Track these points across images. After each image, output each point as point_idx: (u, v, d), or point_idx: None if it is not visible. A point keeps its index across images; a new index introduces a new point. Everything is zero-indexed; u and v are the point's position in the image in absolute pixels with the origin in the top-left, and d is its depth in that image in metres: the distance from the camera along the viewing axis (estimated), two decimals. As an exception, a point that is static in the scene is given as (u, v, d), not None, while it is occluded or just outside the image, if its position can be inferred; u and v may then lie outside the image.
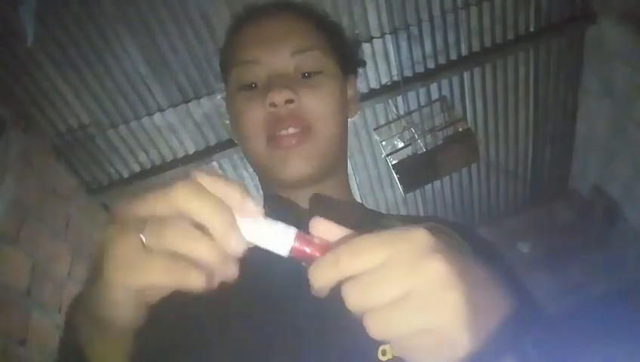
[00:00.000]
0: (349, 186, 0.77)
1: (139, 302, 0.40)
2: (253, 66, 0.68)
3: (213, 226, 0.38)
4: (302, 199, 0.69)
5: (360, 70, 0.82)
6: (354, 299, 0.35)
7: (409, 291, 0.34)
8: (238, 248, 0.39)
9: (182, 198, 0.37)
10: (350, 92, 0.77)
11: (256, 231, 0.40)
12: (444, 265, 0.34)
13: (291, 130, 0.65)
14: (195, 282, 0.37)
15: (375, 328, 0.35)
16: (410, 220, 0.76)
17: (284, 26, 0.70)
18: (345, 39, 0.78)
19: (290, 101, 0.65)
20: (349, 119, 0.78)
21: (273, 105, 0.65)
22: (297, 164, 0.65)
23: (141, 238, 0.37)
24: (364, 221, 0.70)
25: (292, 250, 0.39)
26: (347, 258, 0.35)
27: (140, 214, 0.38)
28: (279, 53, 0.67)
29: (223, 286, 0.61)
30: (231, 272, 0.39)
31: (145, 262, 0.37)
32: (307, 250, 0.38)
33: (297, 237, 0.39)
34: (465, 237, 0.66)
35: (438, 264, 0.34)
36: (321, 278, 0.36)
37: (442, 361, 0.35)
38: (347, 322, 0.51)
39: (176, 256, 0.37)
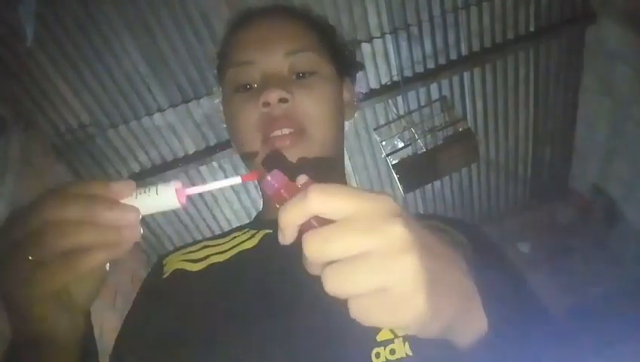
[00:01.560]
0: (346, 180, 0.77)
1: (62, 308, 0.44)
2: (248, 67, 0.68)
3: (85, 213, 0.41)
4: None
5: (358, 73, 0.82)
6: (313, 246, 0.35)
7: (368, 250, 0.35)
8: (121, 217, 0.41)
9: (48, 209, 0.40)
10: (347, 95, 0.76)
11: (142, 203, 0.42)
12: (405, 229, 0.35)
13: (286, 131, 0.64)
14: (87, 265, 0.41)
15: (331, 282, 0.35)
16: (417, 214, 0.77)
17: (277, 28, 0.70)
18: (340, 42, 0.78)
19: (283, 100, 0.64)
20: (346, 122, 0.77)
21: (267, 104, 0.64)
22: (291, 166, 0.64)
23: (25, 257, 0.41)
24: None
25: (271, 189, 0.39)
26: (315, 196, 0.36)
27: (17, 237, 0.41)
28: (273, 54, 0.67)
29: (223, 285, 0.61)
30: (128, 239, 0.42)
31: (37, 273, 0.41)
32: (283, 192, 0.39)
33: (280, 180, 0.40)
34: (466, 235, 0.66)
35: (400, 227, 0.35)
36: (288, 216, 0.37)
37: (397, 322, 0.36)
38: (340, 327, 0.51)
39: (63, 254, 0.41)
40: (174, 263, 0.67)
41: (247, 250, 0.65)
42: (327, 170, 0.69)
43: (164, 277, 0.66)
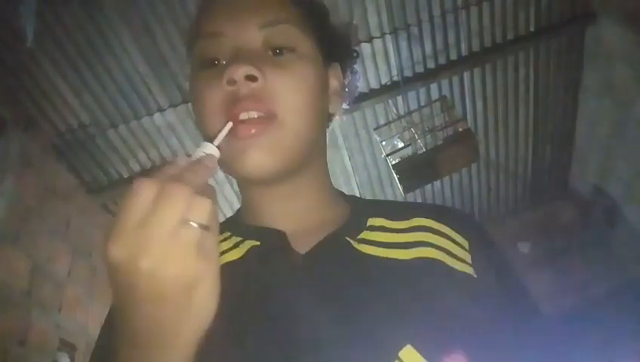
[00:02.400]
0: (328, 179, 0.69)
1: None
2: (217, 40, 0.59)
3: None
4: (274, 197, 0.63)
5: (351, 62, 0.74)
6: None
7: None
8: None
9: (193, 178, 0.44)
10: (334, 82, 0.68)
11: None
12: None
13: (253, 114, 0.56)
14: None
15: None
16: (407, 206, 0.72)
17: None
18: (329, 22, 0.70)
19: (251, 78, 0.56)
20: (336, 117, 0.71)
21: (232, 82, 0.56)
22: (257, 157, 0.56)
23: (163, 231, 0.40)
24: (350, 222, 0.63)
25: None
26: None
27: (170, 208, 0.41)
28: (246, 26, 0.59)
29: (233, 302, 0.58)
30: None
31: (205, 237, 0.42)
32: None
33: None
34: (464, 226, 0.64)
35: None
36: None
37: None
38: (346, 349, 0.50)
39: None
40: None
41: (232, 262, 0.60)
42: (301, 163, 0.61)
43: None
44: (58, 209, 2.51)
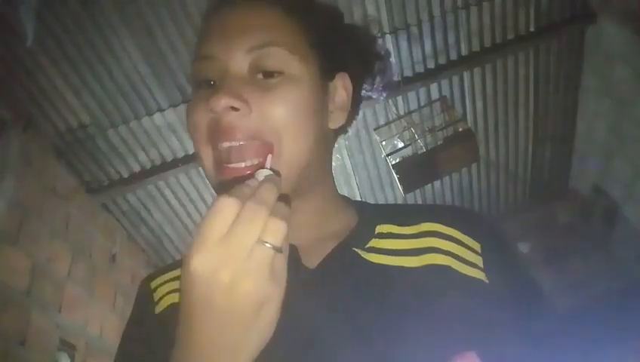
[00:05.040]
0: (334, 190, 0.69)
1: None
2: (209, 62, 0.59)
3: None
4: None
5: (381, 65, 0.70)
6: None
7: None
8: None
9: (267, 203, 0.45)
10: (340, 94, 0.65)
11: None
12: None
13: (235, 143, 0.56)
14: None
15: None
16: (416, 210, 0.71)
17: (244, 19, 0.60)
18: (336, 30, 0.67)
19: (233, 109, 0.55)
20: (342, 131, 0.69)
21: (214, 111, 0.56)
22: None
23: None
24: (357, 231, 0.63)
25: None
26: None
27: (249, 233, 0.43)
28: (233, 49, 0.58)
29: None
30: None
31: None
32: None
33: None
34: (476, 229, 0.63)
35: None
36: None
37: None
38: (368, 347, 0.50)
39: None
40: (166, 293, 0.62)
41: None
42: (301, 186, 0.60)
43: (157, 312, 0.61)
44: (58, 209, 2.51)
